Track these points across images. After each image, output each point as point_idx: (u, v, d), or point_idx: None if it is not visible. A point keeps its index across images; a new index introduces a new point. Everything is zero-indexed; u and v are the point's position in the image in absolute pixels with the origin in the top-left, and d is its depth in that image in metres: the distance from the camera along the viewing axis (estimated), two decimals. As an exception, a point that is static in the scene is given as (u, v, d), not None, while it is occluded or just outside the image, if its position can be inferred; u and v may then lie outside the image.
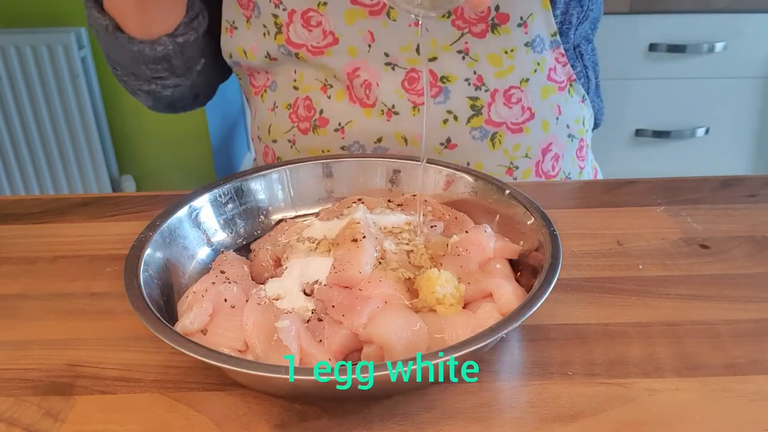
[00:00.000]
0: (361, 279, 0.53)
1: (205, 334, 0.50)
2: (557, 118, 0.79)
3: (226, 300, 0.52)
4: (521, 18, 0.73)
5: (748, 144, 1.83)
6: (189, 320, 0.50)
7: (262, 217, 0.67)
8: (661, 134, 1.79)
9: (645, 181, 0.77)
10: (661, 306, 0.58)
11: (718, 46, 1.68)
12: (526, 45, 0.74)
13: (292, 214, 0.68)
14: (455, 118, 0.76)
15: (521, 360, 0.53)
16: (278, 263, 0.59)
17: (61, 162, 1.99)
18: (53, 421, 0.48)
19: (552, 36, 0.76)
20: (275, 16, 0.76)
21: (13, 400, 0.50)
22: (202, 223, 0.62)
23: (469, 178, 0.65)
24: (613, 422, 0.47)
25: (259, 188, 0.67)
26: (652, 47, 1.68)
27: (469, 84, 0.75)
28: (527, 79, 0.76)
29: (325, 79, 0.78)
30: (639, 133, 1.79)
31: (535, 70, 0.76)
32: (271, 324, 0.49)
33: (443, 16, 0.72)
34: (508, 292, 0.52)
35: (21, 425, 0.48)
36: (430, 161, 0.67)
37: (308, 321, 0.52)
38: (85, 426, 0.48)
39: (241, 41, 0.81)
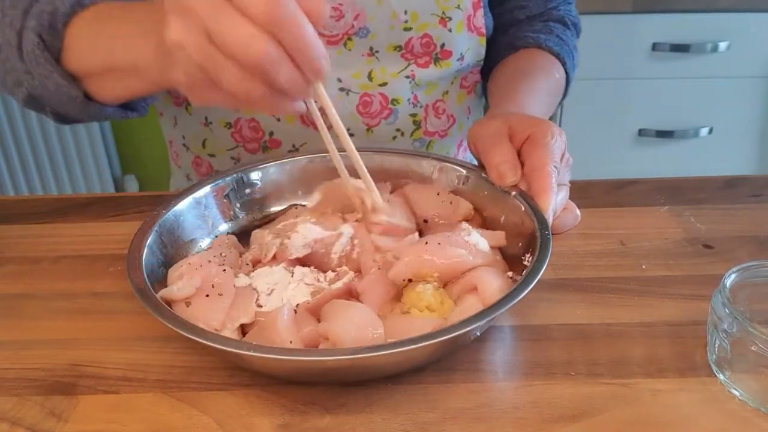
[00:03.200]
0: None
1: (188, 306, 0.52)
2: (467, 118, 0.90)
3: (213, 286, 0.54)
4: (461, 54, 0.81)
5: (752, 144, 1.83)
6: (177, 287, 0.53)
7: (257, 208, 0.67)
8: (664, 134, 1.78)
9: (648, 181, 0.77)
10: (664, 306, 0.58)
11: (722, 45, 1.67)
12: (457, 71, 0.83)
13: (288, 206, 0.68)
14: (402, 134, 0.84)
15: (524, 360, 0.53)
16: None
17: (64, 162, 2.00)
18: (56, 420, 0.48)
19: (478, 61, 0.84)
20: None
21: (16, 399, 0.50)
22: (204, 213, 0.64)
23: (478, 179, 0.65)
24: (615, 422, 0.47)
25: (258, 181, 0.67)
26: (655, 47, 1.67)
27: (409, 103, 0.82)
28: (447, 92, 0.85)
29: None
30: (642, 132, 1.79)
31: (452, 82, 0.85)
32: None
33: (393, 49, 0.78)
34: (492, 287, 0.52)
35: (24, 425, 0.48)
36: (444, 159, 0.68)
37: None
38: (88, 425, 0.48)
39: None
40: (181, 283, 0.53)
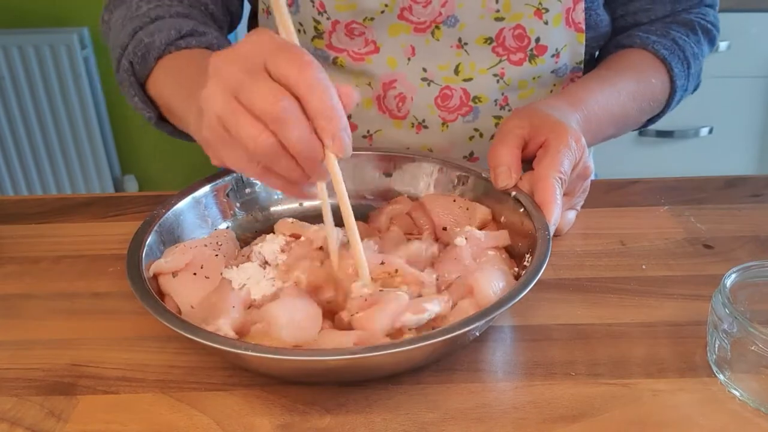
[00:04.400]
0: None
1: (174, 277, 0.55)
2: None
3: (202, 267, 0.56)
4: (556, 49, 0.76)
5: (752, 144, 1.83)
6: (165, 260, 0.56)
7: (258, 208, 0.67)
8: (664, 134, 1.78)
9: (648, 181, 0.77)
10: (665, 306, 0.58)
11: (722, 45, 1.67)
12: (552, 72, 0.78)
13: (289, 206, 0.68)
14: (480, 135, 0.80)
15: (524, 360, 0.53)
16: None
17: (64, 162, 1.99)
18: (56, 420, 0.48)
19: (577, 63, 0.79)
20: (317, 21, 0.75)
21: (16, 399, 0.50)
22: (204, 213, 0.64)
23: (477, 179, 0.65)
24: (616, 423, 0.47)
25: (258, 180, 0.67)
26: (656, 47, 1.68)
27: (496, 104, 0.78)
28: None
29: (355, 86, 0.78)
30: (642, 132, 1.79)
31: (551, 90, 0.80)
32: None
33: (484, 42, 0.74)
34: (485, 289, 0.52)
35: (24, 425, 0.48)
36: (443, 160, 0.67)
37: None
38: (88, 426, 0.48)
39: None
40: (171, 257, 0.55)
